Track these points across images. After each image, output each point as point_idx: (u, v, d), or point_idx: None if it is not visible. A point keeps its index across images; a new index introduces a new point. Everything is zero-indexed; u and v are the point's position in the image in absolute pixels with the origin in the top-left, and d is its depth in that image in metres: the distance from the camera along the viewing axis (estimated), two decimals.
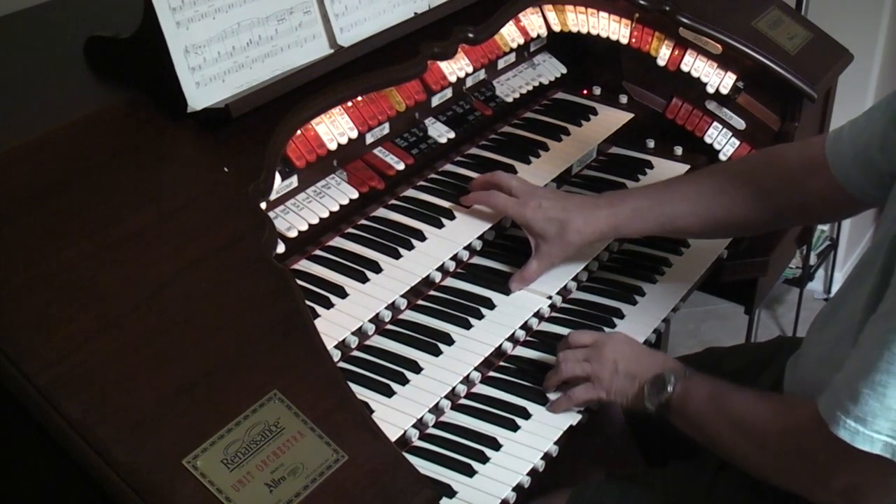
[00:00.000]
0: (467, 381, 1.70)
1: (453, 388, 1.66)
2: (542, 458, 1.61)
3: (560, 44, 2.37)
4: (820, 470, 1.41)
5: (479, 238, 1.90)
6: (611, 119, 2.31)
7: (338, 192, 1.82)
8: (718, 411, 1.56)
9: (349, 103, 1.82)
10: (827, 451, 1.37)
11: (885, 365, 1.28)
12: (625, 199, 1.87)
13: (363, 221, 1.87)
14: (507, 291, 1.84)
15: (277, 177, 1.62)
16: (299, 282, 1.57)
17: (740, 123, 2.25)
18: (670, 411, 1.62)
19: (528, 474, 1.59)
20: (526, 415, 1.68)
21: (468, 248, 1.87)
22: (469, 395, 1.71)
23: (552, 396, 1.71)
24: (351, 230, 1.85)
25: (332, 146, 1.79)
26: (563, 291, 1.91)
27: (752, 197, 1.79)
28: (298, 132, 1.71)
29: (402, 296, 1.73)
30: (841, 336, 1.48)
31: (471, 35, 1.92)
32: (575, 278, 1.94)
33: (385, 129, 1.93)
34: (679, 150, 2.31)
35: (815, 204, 1.75)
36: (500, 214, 1.89)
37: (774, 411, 1.49)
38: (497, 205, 1.86)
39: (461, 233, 1.88)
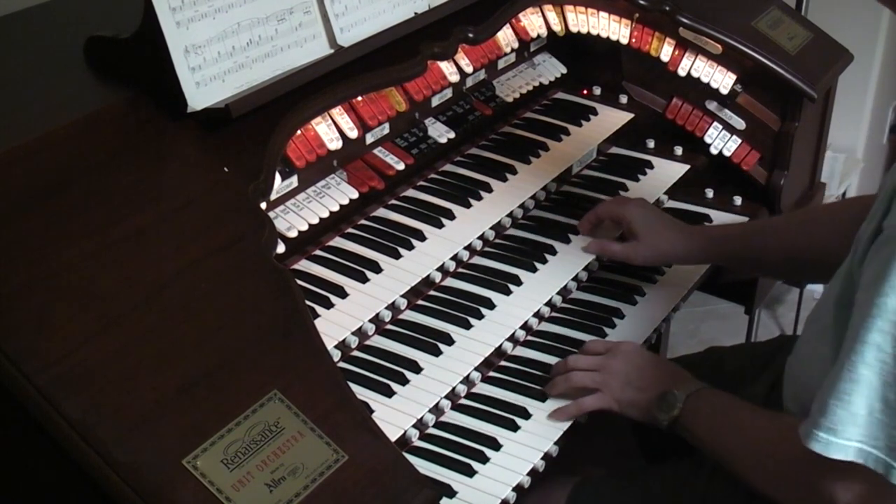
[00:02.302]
0: (467, 381, 1.70)
1: (453, 388, 1.66)
2: (542, 459, 1.62)
3: (560, 44, 2.37)
4: (818, 496, 1.40)
5: (479, 238, 1.90)
6: (611, 119, 2.31)
7: (338, 192, 1.82)
8: (726, 430, 1.57)
9: (349, 103, 1.82)
10: (816, 473, 1.38)
11: (847, 374, 1.30)
12: (718, 226, 2.05)
13: (363, 221, 1.87)
14: (507, 291, 1.84)
15: (277, 177, 1.62)
16: (299, 282, 1.57)
17: (740, 123, 2.25)
18: (679, 427, 1.63)
19: (528, 474, 1.59)
20: (526, 415, 1.68)
21: (468, 248, 1.87)
22: (469, 395, 1.71)
23: (552, 403, 1.71)
24: (351, 230, 1.85)
25: (332, 146, 1.79)
26: (563, 291, 1.91)
27: (835, 232, 1.75)
28: (298, 132, 1.71)
29: (402, 296, 1.73)
30: (821, 332, 1.49)
31: (471, 35, 1.92)
32: (575, 278, 1.94)
33: (385, 129, 1.93)
34: (679, 150, 2.31)
35: None
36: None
37: (778, 435, 1.48)
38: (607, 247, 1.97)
39: (461, 233, 1.88)
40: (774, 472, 1.49)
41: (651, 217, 1.96)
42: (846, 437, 1.31)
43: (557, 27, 2.29)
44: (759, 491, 1.54)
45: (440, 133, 2.04)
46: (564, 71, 2.38)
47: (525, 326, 1.82)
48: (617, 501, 1.75)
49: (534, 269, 1.90)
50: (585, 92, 2.40)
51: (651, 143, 2.32)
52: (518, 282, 1.86)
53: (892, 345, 1.27)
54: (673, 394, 1.63)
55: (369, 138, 1.91)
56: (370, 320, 1.67)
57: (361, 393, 1.57)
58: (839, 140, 3.57)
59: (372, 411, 1.55)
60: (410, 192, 1.96)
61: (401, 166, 1.93)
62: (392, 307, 1.72)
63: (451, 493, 1.52)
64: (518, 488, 1.57)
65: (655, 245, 1.93)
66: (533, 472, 1.60)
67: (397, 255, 1.79)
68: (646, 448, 2.05)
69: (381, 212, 1.91)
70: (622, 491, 1.75)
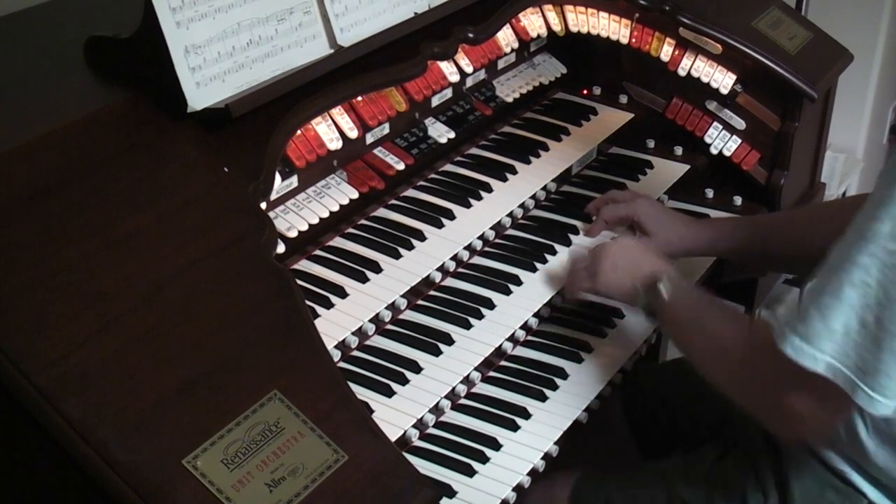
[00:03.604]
0: (467, 380, 1.70)
1: (453, 388, 1.66)
2: (542, 459, 1.62)
3: (560, 44, 2.37)
4: (769, 390, 1.44)
5: (479, 238, 1.90)
6: (611, 119, 2.31)
7: (338, 192, 1.82)
8: (696, 323, 1.62)
9: (349, 103, 1.82)
10: (776, 369, 1.40)
11: (832, 289, 1.32)
12: (726, 218, 2.09)
13: (363, 221, 1.87)
14: (507, 291, 1.84)
15: (277, 177, 1.62)
16: (299, 282, 1.57)
17: (740, 123, 2.25)
18: (657, 316, 1.69)
19: (528, 474, 1.59)
20: (526, 415, 1.68)
21: (468, 248, 1.87)
22: (469, 395, 1.71)
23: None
24: (351, 230, 1.85)
25: (332, 146, 1.79)
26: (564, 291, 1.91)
27: (842, 228, 1.79)
28: (298, 132, 1.71)
29: (402, 296, 1.73)
30: None
31: (471, 35, 1.92)
32: None
33: (385, 129, 1.93)
34: (679, 150, 2.31)
35: None
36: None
37: (740, 328, 1.53)
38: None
39: (461, 233, 1.88)
40: (738, 370, 1.52)
41: (660, 212, 1.99)
42: (819, 348, 1.32)
43: (557, 27, 2.29)
44: (721, 389, 1.57)
45: (440, 133, 2.04)
46: (564, 71, 2.38)
47: (525, 326, 1.82)
48: (621, 494, 1.76)
49: (534, 269, 1.90)
50: (585, 92, 2.40)
51: (651, 143, 2.32)
52: (518, 282, 1.86)
53: (879, 270, 1.28)
54: (657, 286, 1.67)
55: (369, 138, 1.91)
56: (370, 320, 1.67)
57: (361, 393, 1.57)
58: (839, 140, 3.57)
59: (372, 411, 1.55)
60: (410, 192, 1.96)
61: (401, 166, 1.93)
62: (392, 307, 1.72)
63: (451, 493, 1.52)
64: (518, 488, 1.57)
65: (668, 239, 1.95)
66: (533, 472, 1.60)
67: (397, 255, 1.79)
68: (645, 450, 2.06)
69: (381, 212, 1.91)
70: (626, 483, 1.77)
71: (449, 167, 2.05)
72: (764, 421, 1.53)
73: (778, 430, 1.51)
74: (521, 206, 2.01)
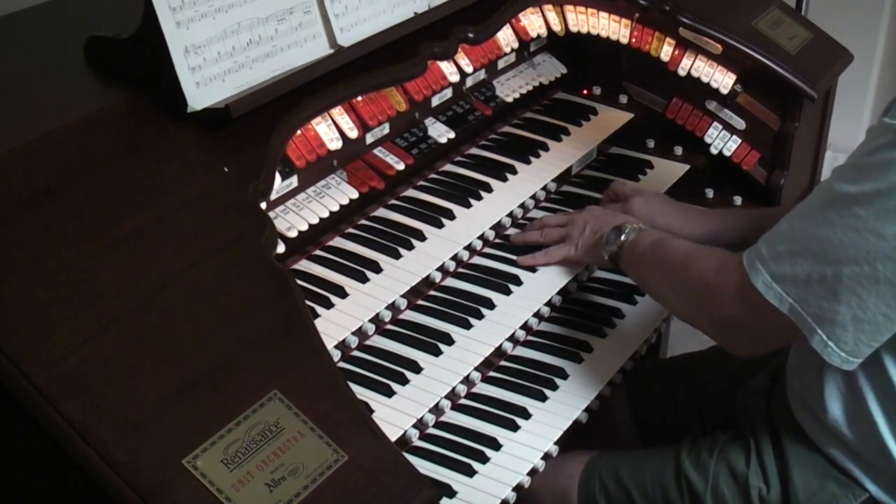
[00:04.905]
0: (467, 381, 1.70)
1: (453, 388, 1.66)
2: (542, 458, 1.62)
3: (560, 44, 2.37)
4: (717, 301, 1.52)
5: (480, 238, 1.90)
6: (611, 119, 2.31)
7: (338, 192, 1.82)
8: (656, 253, 1.70)
9: (349, 103, 1.82)
10: (734, 289, 1.49)
11: (802, 236, 1.40)
12: (731, 210, 2.13)
13: (363, 221, 1.87)
14: (507, 291, 1.84)
15: (277, 177, 1.62)
16: (299, 282, 1.57)
17: (740, 123, 2.25)
18: (620, 257, 1.77)
19: (528, 474, 1.59)
20: (526, 415, 1.68)
21: (468, 248, 1.87)
22: (469, 395, 1.72)
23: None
24: (351, 230, 1.85)
25: (332, 146, 1.79)
26: (563, 291, 1.91)
27: None
28: (298, 132, 1.71)
29: (402, 296, 1.73)
30: None
31: (471, 35, 1.92)
32: (575, 278, 1.94)
33: (385, 129, 1.93)
34: (679, 150, 2.31)
35: None
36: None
37: (700, 251, 1.63)
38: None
39: (461, 233, 1.88)
40: (682, 282, 1.61)
41: (655, 208, 1.96)
42: (785, 290, 1.41)
43: (557, 27, 2.29)
44: (669, 308, 1.72)
45: (440, 133, 2.04)
46: (564, 71, 2.38)
47: (525, 326, 1.82)
48: (629, 471, 1.78)
49: (534, 270, 1.90)
50: (585, 92, 2.40)
51: (651, 143, 2.32)
52: (518, 282, 1.86)
53: (841, 229, 1.35)
54: (620, 228, 1.77)
55: (369, 138, 1.91)
56: (370, 320, 1.67)
57: (361, 393, 1.57)
58: (839, 140, 3.57)
59: (372, 411, 1.55)
60: (410, 192, 1.96)
61: (401, 166, 1.93)
62: (392, 307, 1.72)
63: (451, 493, 1.52)
64: (518, 488, 1.57)
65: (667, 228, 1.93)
66: (533, 472, 1.60)
67: (397, 255, 1.79)
68: (646, 440, 2.07)
69: (381, 212, 1.91)
70: (636, 460, 1.79)
71: (449, 167, 2.05)
72: (716, 338, 1.60)
73: (730, 348, 1.59)
74: (521, 206, 2.01)
